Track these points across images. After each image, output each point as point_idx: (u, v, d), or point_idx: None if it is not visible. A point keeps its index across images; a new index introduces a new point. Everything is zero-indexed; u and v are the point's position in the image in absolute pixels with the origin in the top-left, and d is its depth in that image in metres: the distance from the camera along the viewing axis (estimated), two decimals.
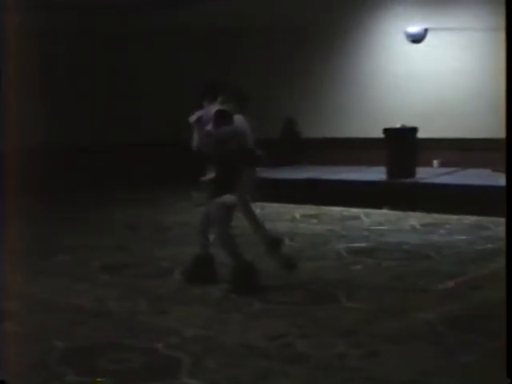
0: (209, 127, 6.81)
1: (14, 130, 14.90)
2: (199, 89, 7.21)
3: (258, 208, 12.14)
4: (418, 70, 14.67)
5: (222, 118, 6.77)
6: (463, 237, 9.43)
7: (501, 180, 10.95)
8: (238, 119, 6.96)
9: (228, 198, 6.80)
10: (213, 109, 6.92)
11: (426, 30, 14.64)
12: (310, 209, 12.25)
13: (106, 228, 11.24)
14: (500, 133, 12.32)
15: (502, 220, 9.59)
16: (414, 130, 12.81)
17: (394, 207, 11.68)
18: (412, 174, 12.65)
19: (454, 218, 10.80)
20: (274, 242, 7.67)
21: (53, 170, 16.28)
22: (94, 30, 17.69)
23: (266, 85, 16.24)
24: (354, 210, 11.84)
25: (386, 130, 12.69)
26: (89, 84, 18.11)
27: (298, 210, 12.13)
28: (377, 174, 12.97)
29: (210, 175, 6.90)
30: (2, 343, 5.30)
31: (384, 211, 11.64)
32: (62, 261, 8.74)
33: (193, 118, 7.05)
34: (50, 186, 15.48)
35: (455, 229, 10.05)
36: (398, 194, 12.04)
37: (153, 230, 10.87)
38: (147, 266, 8.28)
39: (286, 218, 11.55)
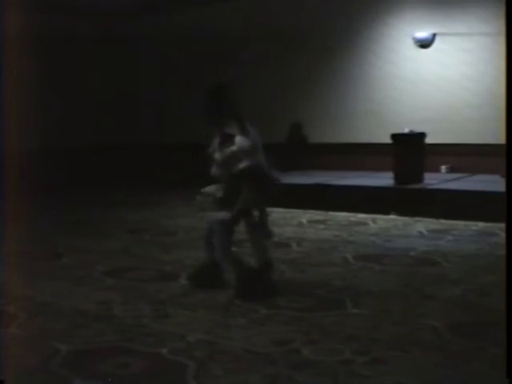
0: (216, 155, 6.79)
1: (14, 131, 14.90)
2: (208, 109, 7.06)
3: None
4: (426, 75, 14.66)
5: (225, 140, 6.73)
6: (471, 243, 9.38)
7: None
8: (240, 140, 6.79)
9: (223, 216, 6.81)
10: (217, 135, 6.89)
11: (434, 35, 14.61)
12: (317, 214, 12.21)
13: (108, 231, 11.21)
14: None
15: None
16: (421, 135, 12.79)
17: (401, 213, 11.64)
18: (420, 179, 12.60)
19: (461, 224, 10.75)
20: (266, 266, 7.21)
21: (54, 172, 16.30)
22: (96, 32, 17.71)
23: (272, 89, 16.27)
24: (361, 216, 11.79)
25: (393, 136, 12.65)
26: (88, 86, 18.12)
27: (305, 216, 12.10)
28: (384, 179, 12.92)
29: (215, 191, 6.89)
30: (4, 345, 5.25)
31: (391, 217, 11.60)
32: (65, 264, 8.71)
33: (210, 149, 6.97)
34: (50, 187, 15.50)
35: (463, 235, 10.00)
36: (406, 199, 12.00)
37: (156, 234, 10.83)
38: (151, 269, 8.23)
39: (293, 223, 11.51)
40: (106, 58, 18.49)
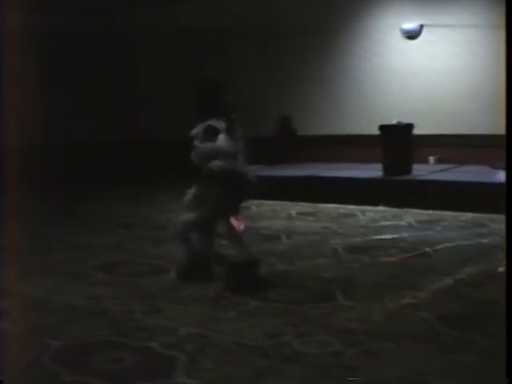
0: (196, 142, 6.80)
1: (14, 127, 14.89)
2: (199, 99, 7.08)
3: (254, 205, 12.23)
4: (414, 67, 14.67)
5: (209, 133, 6.73)
6: (460, 234, 9.40)
7: (497, 177, 11.00)
8: (222, 138, 6.77)
9: (193, 217, 6.86)
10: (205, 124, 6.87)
11: (421, 27, 14.62)
12: (306, 206, 12.23)
13: (100, 226, 11.19)
14: (496, 129, 12.39)
15: (499, 217, 9.68)
16: (409, 126, 12.80)
17: (390, 204, 11.66)
18: (408, 170, 12.63)
19: (450, 214, 10.78)
20: (251, 263, 7.09)
21: (48, 168, 16.24)
22: (95, 27, 17.67)
23: (261, 82, 16.26)
24: (351, 208, 11.82)
25: (381, 127, 12.66)
26: (86, 82, 18.08)
27: (294, 208, 12.11)
28: (373, 171, 12.94)
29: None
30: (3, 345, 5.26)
31: (380, 208, 11.62)
32: (57, 259, 8.71)
33: (193, 132, 6.97)
34: (45, 183, 15.45)
35: (452, 226, 10.03)
36: (394, 190, 12.02)
37: (147, 229, 10.83)
38: (142, 264, 8.23)
39: (282, 215, 11.53)
40: (104, 53, 18.41)
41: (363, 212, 11.40)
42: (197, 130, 6.89)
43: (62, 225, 11.38)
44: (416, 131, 12.82)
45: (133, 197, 14.81)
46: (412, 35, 14.78)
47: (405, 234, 9.47)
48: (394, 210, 11.39)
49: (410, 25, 14.72)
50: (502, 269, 6.62)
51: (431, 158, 14.37)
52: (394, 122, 12.95)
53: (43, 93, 16.50)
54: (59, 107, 17.30)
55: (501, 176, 10.68)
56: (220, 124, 6.73)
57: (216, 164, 6.67)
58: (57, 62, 17.35)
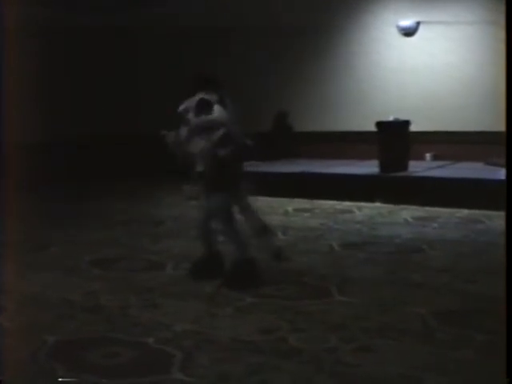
0: (190, 116, 6.80)
1: (12, 124, 14.88)
2: (189, 82, 7.15)
3: (252, 202, 12.22)
4: (411, 64, 14.68)
5: (202, 106, 6.74)
6: (456, 230, 9.43)
7: (493, 173, 11.02)
8: (218, 109, 6.86)
9: (224, 197, 6.84)
10: (196, 98, 6.89)
11: (418, 24, 14.63)
12: (303, 202, 12.24)
13: (98, 222, 11.19)
14: (493, 126, 12.42)
15: (495, 213, 9.71)
16: (406, 123, 12.81)
17: (386, 201, 11.69)
18: (404, 167, 12.64)
19: (446, 211, 10.80)
20: (262, 230, 7.55)
21: (45, 164, 16.25)
22: (94, 24, 17.64)
23: (257, 79, 16.23)
24: (347, 204, 11.83)
25: (378, 124, 12.66)
26: (85, 78, 18.06)
27: (291, 204, 12.12)
28: (369, 167, 12.95)
29: (199, 168, 6.84)
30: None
31: (376, 205, 11.64)
32: (53, 254, 8.71)
33: (181, 108, 6.99)
34: (42, 180, 15.45)
35: (448, 222, 10.05)
36: (391, 187, 12.04)
37: (144, 224, 10.83)
38: (138, 260, 8.25)
39: (279, 211, 11.53)
40: (105, 49, 18.40)
41: (359, 208, 11.42)
42: (185, 105, 6.92)
43: (57, 220, 11.37)
44: (412, 128, 12.83)
45: (129, 192, 14.81)
46: (408, 32, 14.79)
47: (401, 231, 9.49)
48: (391, 207, 11.42)
49: (407, 22, 14.73)
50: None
51: (428, 155, 14.38)
52: (390, 118, 12.96)
53: (41, 90, 16.46)
54: (56, 105, 17.27)
55: (496, 173, 10.72)
56: (212, 97, 6.78)
57: (220, 135, 6.71)
58: (56, 56, 17.33)
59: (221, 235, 7.13)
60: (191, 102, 6.89)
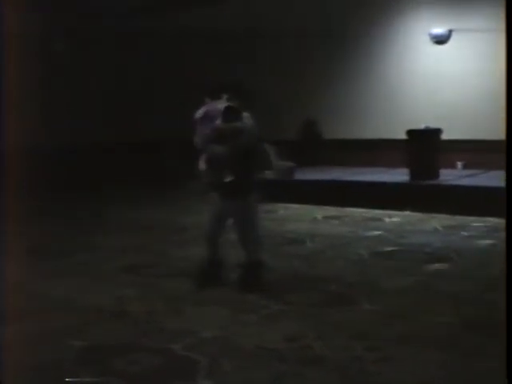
0: (217, 123, 6.79)
1: (26, 130, 15.00)
2: (206, 86, 7.17)
3: (280, 209, 12.26)
4: (442, 71, 14.60)
5: (231, 114, 6.74)
6: (485, 239, 9.36)
7: None
8: (246, 117, 6.89)
9: (250, 199, 6.84)
10: (218, 105, 6.88)
11: (450, 32, 14.56)
12: (332, 210, 12.21)
13: (119, 227, 11.27)
14: None
15: None
16: (437, 131, 12.75)
17: (416, 209, 11.62)
18: (435, 175, 12.58)
19: (476, 220, 10.72)
20: (256, 265, 7.10)
21: (64, 170, 16.37)
22: (106, 31, 17.75)
23: (287, 86, 16.25)
24: (376, 212, 11.78)
25: (409, 132, 12.61)
26: (94, 84, 18.15)
27: (320, 211, 12.10)
28: (399, 175, 12.91)
29: (227, 177, 6.84)
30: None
31: (406, 213, 11.58)
32: (79, 260, 8.76)
33: (199, 114, 6.99)
34: (63, 186, 15.57)
35: (478, 231, 9.98)
36: (421, 195, 11.98)
37: (168, 230, 10.88)
38: (164, 266, 8.29)
39: (307, 218, 11.52)
40: (116, 57, 18.51)
41: (389, 216, 11.37)
42: (204, 110, 6.91)
43: (83, 227, 11.44)
44: (443, 136, 12.76)
45: (153, 198, 14.85)
46: (441, 40, 14.72)
47: (430, 239, 9.44)
48: (420, 215, 11.35)
49: (439, 30, 14.67)
50: None
51: (459, 163, 14.29)
52: (421, 126, 12.90)
53: (57, 96, 16.60)
54: (76, 110, 17.40)
55: None
56: (236, 104, 6.80)
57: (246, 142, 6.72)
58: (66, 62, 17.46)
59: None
60: (210, 106, 6.89)
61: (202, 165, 7.07)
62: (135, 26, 17.96)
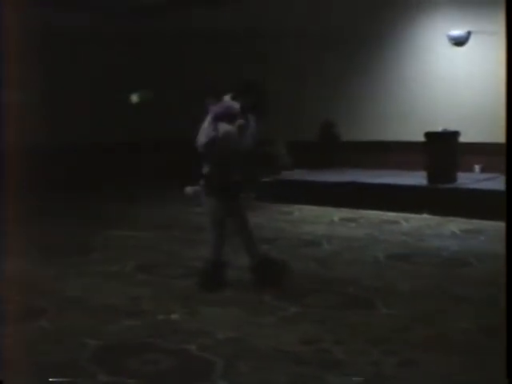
0: (229, 127, 6.72)
1: (38, 129, 15.01)
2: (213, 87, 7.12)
3: (296, 211, 12.22)
4: (461, 74, 14.52)
5: (225, 115, 6.74)
6: (504, 244, 9.24)
7: None
8: (251, 119, 6.87)
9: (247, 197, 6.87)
10: (234, 104, 6.81)
11: (469, 33, 14.47)
12: (349, 212, 12.14)
13: (134, 226, 11.24)
14: None
15: None
16: (455, 134, 12.66)
17: (433, 212, 11.54)
18: (453, 179, 12.48)
19: (494, 224, 10.60)
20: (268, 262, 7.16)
21: (75, 169, 16.39)
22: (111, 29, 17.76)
23: (305, 87, 16.21)
24: (393, 215, 11.71)
25: (427, 134, 12.53)
26: (108, 83, 18.13)
27: (337, 213, 12.03)
28: (417, 178, 12.82)
29: (229, 176, 6.82)
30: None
31: (424, 216, 11.50)
32: (94, 259, 8.76)
33: (216, 113, 6.88)
34: (72, 184, 15.58)
35: (496, 235, 9.87)
36: (438, 199, 11.90)
37: (183, 230, 10.85)
38: (179, 266, 8.27)
39: (324, 220, 11.46)
40: (122, 56, 18.51)
41: (406, 219, 11.29)
42: (223, 109, 6.84)
43: (96, 226, 11.40)
44: (461, 139, 12.67)
45: (163, 197, 14.82)
46: (459, 42, 14.63)
47: (448, 243, 9.36)
48: (438, 218, 11.27)
49: (458, 31, 14.58)
50: None
51: (476, 167, 14.19)
52: (439, 129, 12.82)
53: (57, 95, 16.63)
54: (86, 108, 17.42)
55: None
56: (246, 103, 6.80)
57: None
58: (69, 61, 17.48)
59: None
60: (224, 105, 6.82)
61: (205, 167, 6.99)
62: (135, 25, 17.99)
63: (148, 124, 18.01)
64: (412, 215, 11.57)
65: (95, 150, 17.20)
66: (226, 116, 6.74)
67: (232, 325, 5.82)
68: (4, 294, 6.80)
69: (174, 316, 6.11)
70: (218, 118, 6.73)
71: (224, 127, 6.70)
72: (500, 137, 12.96)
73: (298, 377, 4.65)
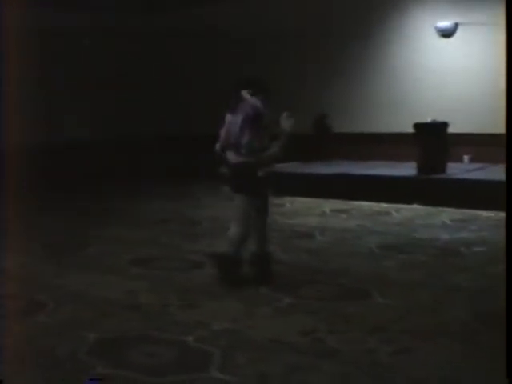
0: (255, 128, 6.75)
1: (40, 125, 15.03)
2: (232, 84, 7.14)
3: (288, 203, 12.27)
4: (449, 65, 14.58)
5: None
6: (494, 233, 9.33)
7: None
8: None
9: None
10: (257, 104, 6.84)
11: (456, 25, 14.54)
12: (340, 203, 12.21)
13: (135, 221, 11.27)
14: None
15: None
16: (444, 124, 12.72)
17: (424, 203, 11.62)
18: (442, 169, 12.55)
19: (484, 214, 10.72)
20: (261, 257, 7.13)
21: (77, 165, 16.40)
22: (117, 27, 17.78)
23: (296, 81, 16.24)
24: (385, 206, 11.79)
25: (416, 125, 12.60)
26: (120, 78, 18.18)
27: (328, 205, 12.09)
28: (407, 169, 12.90)
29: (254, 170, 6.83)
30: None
31: (414, 207, 11.58)
32: (92, 253, 8.79)
33: (255, 114, 6.86)
34: (75, 179, 15.61)
35: (486, 225, 9.97)
36: (429, 189, 11.98)
37: (182, 224, 10.89)
38: (177, 259, 8.30)
39: (316, 212, 11.52)
40: (133, 53, 18.54)
41: (397, 210, 11.37)
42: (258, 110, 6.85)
43: (95, 220, 11.46)
44: (450, 129, 12.74)
45: (164, 192, 14.86)
46: (447, 33, 14.70)
47: (439, 233, 9.44)
48: (428, 209, 11.35)
49: (445, 23, 14.64)
50: None
51: (465, 157, 14.27)
52: (428, 120, 12.89)
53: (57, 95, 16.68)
54: (102, 104, 17.47)
55: None
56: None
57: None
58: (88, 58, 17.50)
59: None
60: (252, 104, 6.84)
61: (224, 168, 7.05)
62: (136, 24, 18.02)
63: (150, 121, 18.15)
64: (403, 206, 11.65)
65: (95, 145, 17.25)
66: (258, 116, 6.77)
67: (228, 316, 5.86)
68: (3, 289, 6.85)
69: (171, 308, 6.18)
70: (250, 118, 6.73)
71: (255, 127, 6.73)
72: (488, 127, 13.11)
73: (294, 366, 4.70)
